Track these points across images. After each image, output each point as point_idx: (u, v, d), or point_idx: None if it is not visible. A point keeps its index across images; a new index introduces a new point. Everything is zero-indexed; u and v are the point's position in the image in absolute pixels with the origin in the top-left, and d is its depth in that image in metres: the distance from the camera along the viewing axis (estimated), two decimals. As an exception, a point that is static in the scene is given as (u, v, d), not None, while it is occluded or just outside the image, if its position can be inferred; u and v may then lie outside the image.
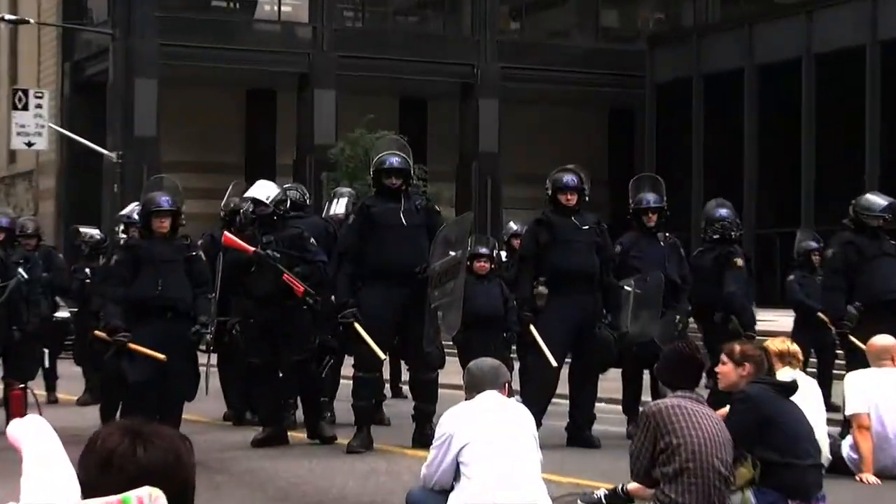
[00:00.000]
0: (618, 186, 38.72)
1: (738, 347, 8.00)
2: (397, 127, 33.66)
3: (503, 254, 14.84)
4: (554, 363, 11.07)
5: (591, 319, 11.28)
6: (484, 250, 13.48)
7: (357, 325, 10.59)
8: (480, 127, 38.29)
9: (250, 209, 11.66)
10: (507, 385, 7.11)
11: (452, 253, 10.84)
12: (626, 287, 11.82)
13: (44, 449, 2.11)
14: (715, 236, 12.31)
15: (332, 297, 10.93)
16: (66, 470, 2.22)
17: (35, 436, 2.11)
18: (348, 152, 31.97)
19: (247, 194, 11.85)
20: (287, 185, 13.10)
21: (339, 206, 12.90)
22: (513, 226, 15.21)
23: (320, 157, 34.03)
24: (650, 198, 12.34)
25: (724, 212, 12.62)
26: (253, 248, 11.04)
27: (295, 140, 37.78)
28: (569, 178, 11.49)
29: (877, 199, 12.15)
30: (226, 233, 11.70)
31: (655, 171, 35.29)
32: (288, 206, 11.64)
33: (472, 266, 12.98)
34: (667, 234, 12.40)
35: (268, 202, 11.31)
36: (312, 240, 11.43)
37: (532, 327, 11.24)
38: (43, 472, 2.03)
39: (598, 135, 41.18)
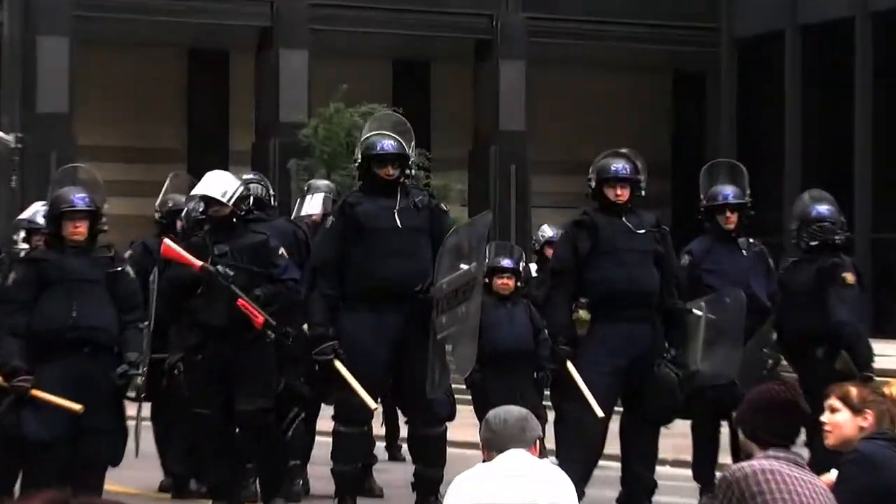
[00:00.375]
0: (683, 176, 38.88)
1: (854, 391, 7.98)
2: (390, 99, 33.71)
3: (533, 267, 14.86)
4: (600, 413, 11.12)
5: (648, 354, 11.35)
6: (507, 263, 13.48)
7: (338, 364, 10.63)
8: (501, 98, 38.23)
9: (199, 209, 11.69)
10: (537, 442, 7.11)
11: (465, 266, 10.85)
12: (695, 311, 11.87)
13: None
14: (813, 242, 12.26)
15: (305, 327, 10.94)
16: None
17: None
18: (324, 133, 31.98)
19: (196, 190, 11.84)
20: (247, 177, 13.09)
21: (312, 205, 12.92)
22: (546, 230, 15.25)
23: (287, 140, 34.02)
24: (728, 192, 12.37)
25: (823, 209, 12.56)
26: (200, 263, 11.05)
27: (253, 117, 37.80)
28: (620, 166, 11.57)
29: None
30: (165, 240, 11.69)
31: (736, 155, 35.34)
32: (251, 204, 11.67)
33: (492, 284, 13.02)
34: (751, 241, 12.43)
35: (225, 200, 11.34)
36: (282, 250, 11.45)
37: (571, 365, 11.32)
38: None
39: (656, 108, 41.13)
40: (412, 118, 13.88)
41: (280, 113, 36.22)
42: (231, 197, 11.34)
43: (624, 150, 11.87)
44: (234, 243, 11.25)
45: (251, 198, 11.86)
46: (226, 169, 25.60)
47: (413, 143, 11.58)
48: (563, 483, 7.04)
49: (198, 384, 11.34)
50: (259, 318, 10.81)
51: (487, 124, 38.56)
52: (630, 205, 11.51)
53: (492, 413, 7.33)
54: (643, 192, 11.71)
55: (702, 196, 12.49)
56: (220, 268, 10.99)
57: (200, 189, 11.72)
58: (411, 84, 39.31)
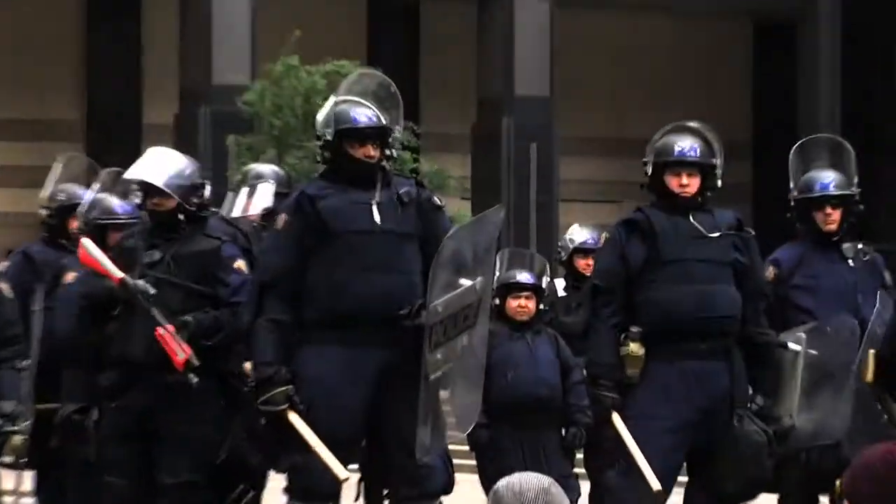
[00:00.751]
0: (769, 160, 39.07)
1: None
2: (364, 54, 33.83)
3: (560, 283, 14.85)
4: (656, 485, 11.07)
5: (725, 404, 11.33)
6: (524, 278, 13.52)
7: (293, 417, 10.55)
8: (516, 52, 38.46)
9: (134, 201, 11.65)
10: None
11: (467, 282, 10.80)
12: (792, 346, 11.84)
13: None
14: None
15: (248, 366, 10.87)
16: None
17: None
18: (273, 99, 32.09)
19: (132, 174, 11.75)
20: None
21: (257, 200, 12.77)
22: (577, 233, 15.21)
23: (223, 109, 34.17)
24: (829, 180, 12.35)
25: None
26: (121, 275, 11.02)
27: (176, 80, 37.94)
28: (687, 146, 11.54)
29: None
30: (83, 240, 11.56)
31: (840, 130, 35.52)
32: (203, 196, 11.62)
33: (505, 306, 13.05)
34: (860, 246, 12.41)
35: (169, 189, 11.27)
36: (240, 263, 11.40)
37: (617, 418, 11.29)
38: None
39: (732, 66, 41.35)
40: (394, 81, 13.83)
41: (213, 74, 36.37)
42: (179, 184, 11.30)
43: (693, 124, 11.79)
44: (175, 249, 11.23)
45: (206, 187, 11.82)
46: (136, 149, 25.71)
47: (401, 115, 11.52)
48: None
49: (109, 441, 11.28)
50: (178, 356, 10.75)
51: (497, 88, 38.71)
52: (701, 199, 11.48)
53: (503, 483, 7.26)
54: (720, 183, 11.66)
55: (792, 184, 12.47)
56: (140, 283, 10.94)
57: (137, 172, 11.65)
58: (393, 33, 39.50)
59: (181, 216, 11.26)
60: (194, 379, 10.79)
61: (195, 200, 11.33)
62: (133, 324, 10.98)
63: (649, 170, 11.54)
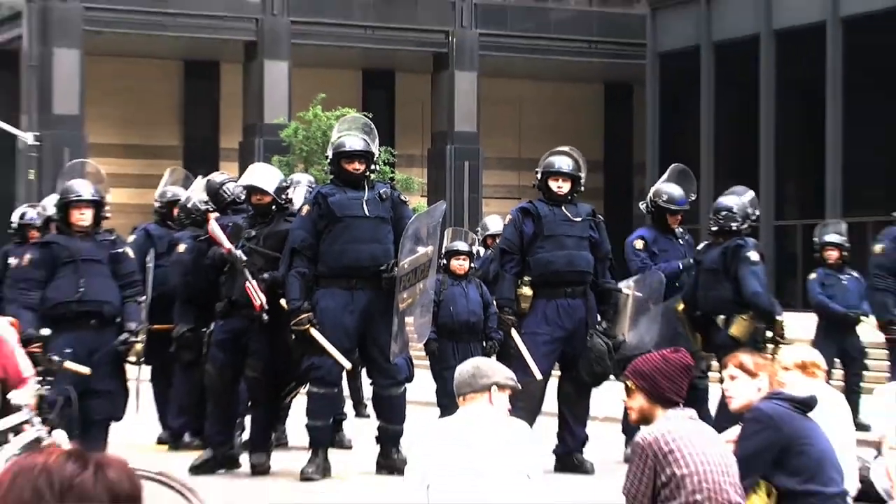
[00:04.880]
0: (614, 171, 39.07)
1: (747, 359, 7.97)
2: (360, 104, 33.66)
3: (480, 250, 14.82)
4: (539, 376, 11.07)
5: (583, 326, 11.30)
6: (462, 246, 13.45)
7: (313, 331, 10.55)
8: (456, 104, 38.20)
9: (241, 197, 11.57)
10: (493, 389, 6.95)
11: (423, 249, 10.85)
12: (624, 290, 11.85)
13: None
14: (714, 228, 12.12)
15: (283, 302, 10.84)
16: None
17: None
18: (303, 134, 31.90)
19: (245, 181, 11.58)
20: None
21: (296, 195, 12.73)
22: (489, 224, 15.11)
23: (270, 139, 33.94)
24: (679, 195, 12.42)
25: (727, 201, 12.46)
26: (229, 246, 10.93)
27: (241, 120, 37.66)
28: (563, 163, 11.51)
29: None
30: (211, 221, 11.41)
31: (658, 153, 35.40)
32: (289, 196, 11.52)
33: (449, 265, 13.01)
34: (681, 231, 12.46)
35: (269, 190, 11.15)
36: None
37: (515, 334, 11.27)
38: None
39: (591, 112, 41.21)
40: (379, 121, 13.85)
41: (265, 116, 36.11)
42: (274, 188, 11.21)
43: (567, 149, 11.79)
44: (266, 229, 11.14)
45: (295, 187, 11.85)
46: (216, 165, 25.44)
47: (377, 142, 11.50)
48: (518, 434, 6.89)
49: (214, 346, 11.18)
50: (256, 302, 10.71)
51: (444, 127, 38.54)
52: (570, 197, 11.45)
53: (457, 369, 7.29)
54: (582, 187, 11.67)
55: (654, 191, 12.52)
56: (238, 252, 10.90)
57: (247, 179, 11.52)
58: (378, 91, 39.28)
59: (273, 207, 11.23)
60: (265, 317, 10.74)
61: (282, 198, 11.28)
62: (234, 277, 10.92)
63: (539, 177, 11.54)
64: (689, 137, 34.33)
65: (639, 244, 12.40)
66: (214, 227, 11.14)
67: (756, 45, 32.99)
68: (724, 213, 12.03)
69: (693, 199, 12.75)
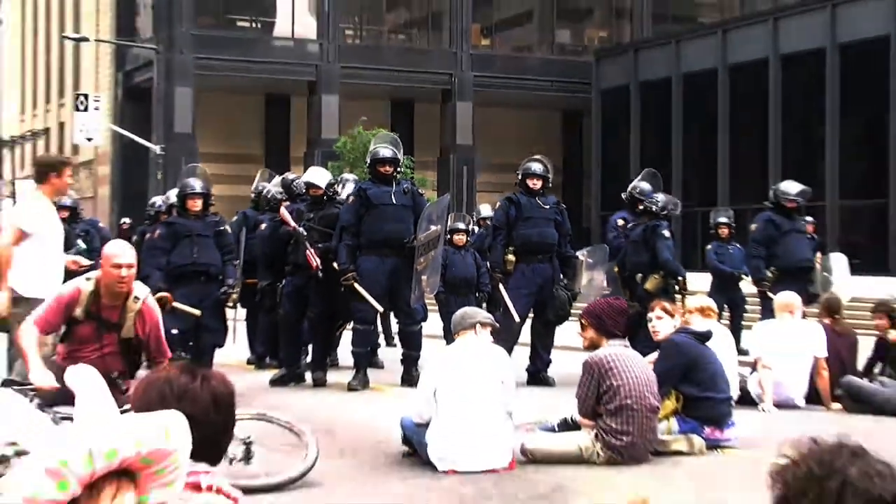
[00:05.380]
0: (569, 174, 38.92)
1: (667, 304, 7.98)
2: (389, 125, 33.55)
3: (475, 229, 14.81)
4: (517, 318, 11.03)
5: (550, 282, 11.23)
6: (461, 226, 13.45)
7: (357, 285, 10.54)
8: (458, 125, 38.20)
9: (303, 190, 11.43)
10: (477, 326, 6.96)
11: (434, 227, 10.80)
12: (580, 256, 11.80)
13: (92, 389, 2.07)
14: (640, 208, 11.95)
15: (336, 265, 10.76)
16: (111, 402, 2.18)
17: (85, 381, 2.08)
18: (349, 146, 31.80)
19: (304, 178, 11.48)
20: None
21: (345, 189, 12.72)
22: (481, 210, 15.15)
23: (326, 150, 33.84)
24: (650, 189, 12.16)
25: (645, 186, 12.31)
26: (294, 225, 10.83)
27: (305, 135, 37.63)
28: (536, 167, 11.39)
29: (791, 186, 12.27)
30: (283, 207, 11.33)
31: (601, 162, 35.35)
32: (337, 189, 11.41)
33: (451, 239, 12.96)
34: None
35: (322, 185, 11.07)
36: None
37: (501, 287, 11.21)
38: (94, 401, 2.00)
39: (553, 132, 41.12)
40: (402, 137, 13.73)
41: (322, 133, 36.06)
42: (325, 183, 11.12)
43: (539, 157, 11.65)
44: (320, 213, 11.01)
45: (340, 183, 11.73)
46: (288, 168, 25.26)
47: (402, 152, 11.44)
48: (495, 357, 6.94)
49: (286, 296, 11.04)
50: (313, 264, 10.61)
51: (449, 141, 38.49)
52: (542, 191, 11.37)
53: (454, 314, 7.33)
54: (550, 185, 11.59)
55: (632, 186, 12.37)
56: (300, 229, 10.84)
57: (306, 177, 11.42)
58: (402, 116, 39.18)
59: (324, 197, 11.13)
60: (320, 275, 10.67)
61: (331, 190, 11.17)
62: (298, 247, 10.82)
63: (519, 177, 11.43)
64: (621, 151, 34.27)
65: (620, 222, 12.36)
66: (284, 212, 11.12)
67: (668, 86, 32.93)
68: (649, 199, 11.90)
69: (660, 193, 12.24)
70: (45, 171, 7.68)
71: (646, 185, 12.31)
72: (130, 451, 1.76)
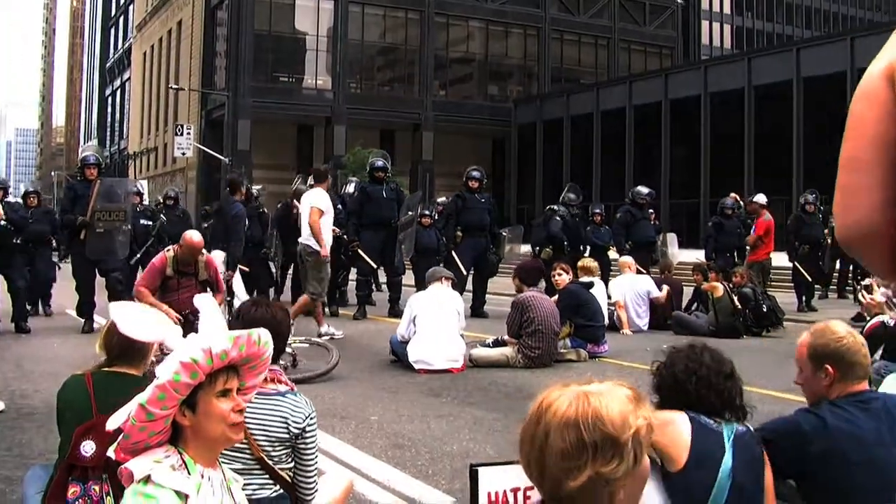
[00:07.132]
0: (496, 180, 38.73)
1: (566, 264, 7.93)
2: (379, 146, 33.24)
3: (436, 215, 14.59)
4: (465, 272, 10.94)
5: (485, 250, 11.11)
6: (427, 212, 13.17)
7: (360, 251, 10.39)
8: (423, 147, 37.98)
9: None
10: (442, 279, 6.91)
11: (410, 213, 10.67)
12: (504, 233, 11.71)
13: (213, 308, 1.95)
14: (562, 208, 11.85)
15: (344, 236, 10.56)
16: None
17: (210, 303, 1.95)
18: (352, 160, 31.51)
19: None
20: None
21: (350, 188, 12.47)
22: (439, 202, 14.92)
23: (337, 163, 33.49)
24: (575, 196, 11.90)
25: (571, 195, 12.19)
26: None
27: (323, 153, 37.23)
28: (476, 173, 11.20)
29: (642, 189, 12.41)
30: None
31: (517, 177, 35.28)
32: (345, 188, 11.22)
33: (421, 220, 12.77)
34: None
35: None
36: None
37: (454, 253, 11.07)
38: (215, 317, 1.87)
39: (486, 152, 40.88)
40: (390, 154, 13.48)
41: (334, 151, 35.64)
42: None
43: (477, 167, 11.48)
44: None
45: (345, 185, 11.46)
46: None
47: (390, 163, 11.25)
48: (455, 298, 6.88)
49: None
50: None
51: (417, 157, 38.17)
52: (479, 189, 11.17)
53: (428, 271, 7.21)
54: (484, 186, 11.41)
55: (565, 196, 12.01)
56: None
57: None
58: (388, 141, 38.81)
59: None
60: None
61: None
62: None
63: (464, 180, 11.21)
64: (530, 167, 34.26)
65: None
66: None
67: (561, 127, 32.82)
68: (568, 201, 11.75)
69: (581, 199, 11.97)
70: (322, 176, 8.40)
71: (572, 194, 12.19)
72: (235, 352, 1.75)
